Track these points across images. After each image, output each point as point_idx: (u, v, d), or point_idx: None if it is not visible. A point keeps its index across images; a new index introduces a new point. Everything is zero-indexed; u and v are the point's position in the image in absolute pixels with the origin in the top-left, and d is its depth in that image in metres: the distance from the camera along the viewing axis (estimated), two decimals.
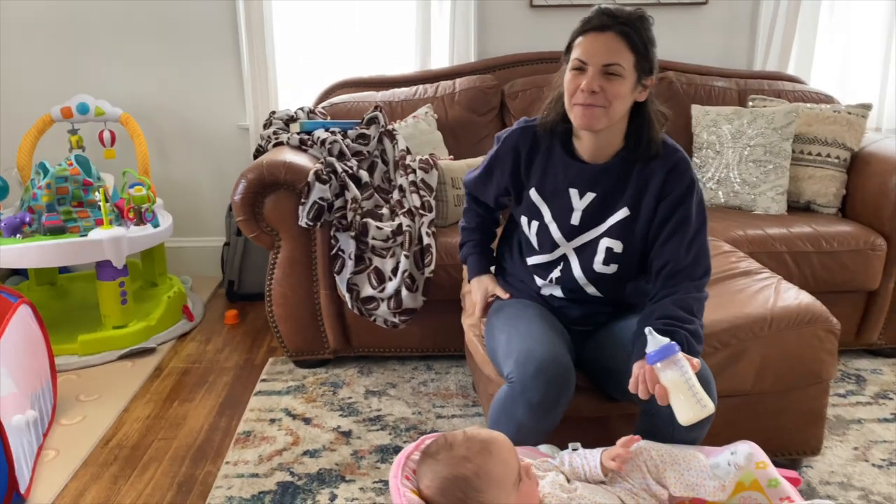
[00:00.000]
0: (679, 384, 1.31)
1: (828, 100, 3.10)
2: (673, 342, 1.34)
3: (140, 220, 2.83)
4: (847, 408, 2.30)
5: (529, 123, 1.70)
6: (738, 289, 1.97)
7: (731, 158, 2.80)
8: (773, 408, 1.87)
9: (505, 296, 1.77)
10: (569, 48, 1.54)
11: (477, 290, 1.84)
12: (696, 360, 1.37)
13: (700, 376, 1.49)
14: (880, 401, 2.34)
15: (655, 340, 1.33)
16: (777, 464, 1.82)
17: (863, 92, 3.40)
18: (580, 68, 1.49)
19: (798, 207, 2.79)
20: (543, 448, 1.49)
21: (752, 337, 1.78)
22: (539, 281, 1.72)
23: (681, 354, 1.33)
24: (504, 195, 1.78)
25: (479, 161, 2.73)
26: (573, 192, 1.63)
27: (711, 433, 1.72)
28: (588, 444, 1.47)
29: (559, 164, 1.64)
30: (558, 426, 1.56)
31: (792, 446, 1.92)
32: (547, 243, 1.67)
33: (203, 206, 3.49)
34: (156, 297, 3.00)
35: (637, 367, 1.41)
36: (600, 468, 1.32)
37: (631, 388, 1.40)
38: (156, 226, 2.88)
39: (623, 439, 1.35)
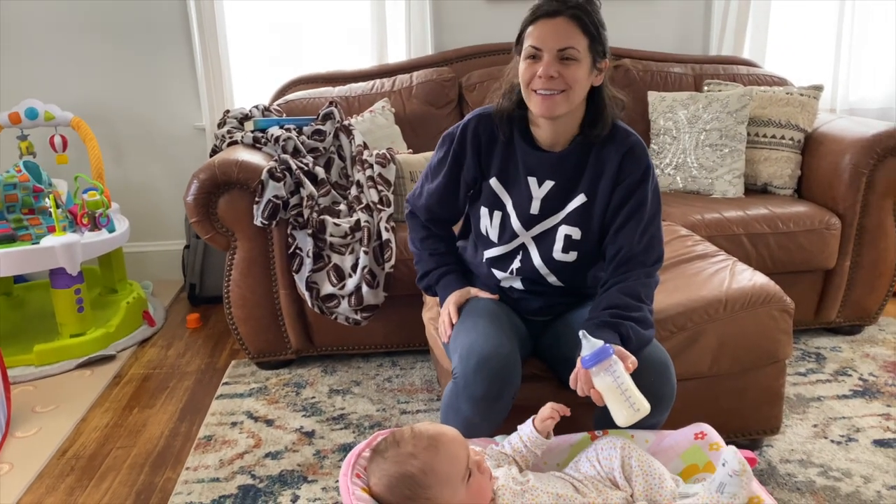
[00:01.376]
0: (611, 389, 1.32)
1: (781, 82, 3.13)
2: (607, 345, 1.33)
3: (95, 225, 2.78)
4: (807, 386, 2.32)
5: (485, 112, 1.67)
6: (694, 272, 1.98)
7: (687, 143, 2.82)
8: (732, 389, 1.88)
9: (486, 295, 1.70)
10: (520, 38, 1.53)
11: (454, 296, 1.70)
12: (631, 361, 1.36)
13: (656, 360, 1.50)
14: (839, 378, 2.37)
15: (590, 344, 1.33)
16: (737, 444, 1.84)
17: (816, 74, 3.44)
18: (535, 56, 1.48)
19: (755, 190, 2.81)
20: (499, 438, 1.47)
21: (707, 319, 1.79)
22: (499, 274, 1.70)
23: (615, 357, 1.33)
24: (471, 190, 1.72)
25: None
26: (532, 181, 1.62)
27: (672, 417, 1.73)
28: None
29: (518, 152, 1.62)
30: (517, 416, 1.55)
31: (751, 426, 1.93)
32: (507, 233, 1.66)
33: (161, 209, 3.43)
34: (115, 304, 2.94)
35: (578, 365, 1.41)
36: (535, 432, 1.35)
37: (570, 384, 1.41)
38: (111, 231, 2.82)
39: (550, 404, 1.38)
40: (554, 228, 1.62)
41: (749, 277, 1.90)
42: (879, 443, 2.00)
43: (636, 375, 1.38)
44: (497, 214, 1.66)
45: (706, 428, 1.43)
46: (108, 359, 2.67)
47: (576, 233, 1.60)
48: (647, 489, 1.28)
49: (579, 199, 1.59)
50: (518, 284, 1.69)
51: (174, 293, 3.33)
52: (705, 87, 3.01)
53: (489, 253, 1.69)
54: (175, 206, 3.39)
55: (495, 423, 1.54)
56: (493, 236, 1.67)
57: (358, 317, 2.38)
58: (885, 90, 3.51)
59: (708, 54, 3.43)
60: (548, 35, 1.47)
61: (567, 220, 1.60)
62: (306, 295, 2.37)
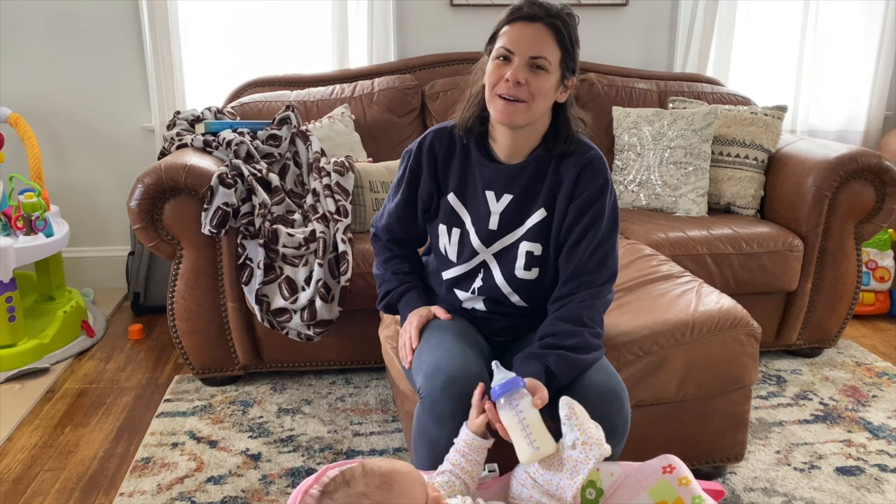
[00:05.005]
0: (514, 424, 1.26)
1: (745, 101, 3.12)
2: (517, 378, 1.28)
3: (30, 229, 2.61)
4: (769, 410, 2.29)
5: (442, 127, 1.62)
6: (659, 293, 1.93)
7: (652, 160, 2.78)
8: (697, 415, 1.82)
9: (445, 316, 1.61)
10: (493, 38, 1.47)
11: (415, 316, 1.61)
12: (540, 396, 1.31)
13: (605, 389, 1.44)
14: (800, 402, 2.34)
15: (501, 375, 1.28)
16: (701, 471, 1.79)
17: (778, 94, 3.46)
18: (506, 57, 1.43)
19: (718, 209, 2.79)
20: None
21: (674, 343, 1.73)
22: (461, 294, 1.62)
23: (523, 391, 1.28)
24: (428, 208, 1.65)
25: (398, 164, 2.63)
26: (490, 195, 1.55)
27: (636, 443, 1.67)
28: (504, 453, 1.39)
29: (475, 165, 1.56)
30: None
31: (716, 453, 1.88)
32: (466, 251, 1.58)
33: (105, 213, 3.26)
34: (51, 313, 2.76)
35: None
36: (471, 434, 1.31)
37: (476, 410, 1.36)
38: (49, 235, 2.65)
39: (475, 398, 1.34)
40: (515, 245, 1.55)
41: (716, 300, 1.85)
42: (842, 471, 1.97)
43: (584, 405, 1.32)
44: (455, 231, 1.59)
45: (674, 461, 1.36)
46: (40, 372, 2.50)
47: (537, 248, 1.54)
48: (557, 486, 1.26)
49: (539, 214, 1.53)
50: (480, 305, 1.61)
51: (117, 302, 3.16)
52: (670, 104, 2.98)
53: (448, 274, 1.62)
54: (120, 210, 3.22)
55: None
56: (452, 255, 1.60)
57: (311, 332, 2.27)
58: (844, 113, 3.54)
59: (672, 71, 3.41)
60: (523, 39, 1.42)
61: (527, 236, 1.54)
62: (256, 308, 2.25)
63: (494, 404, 1.30)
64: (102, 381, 2.48)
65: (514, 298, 1.58)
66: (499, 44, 1.45)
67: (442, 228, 1.61)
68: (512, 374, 1.28)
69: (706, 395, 1.81)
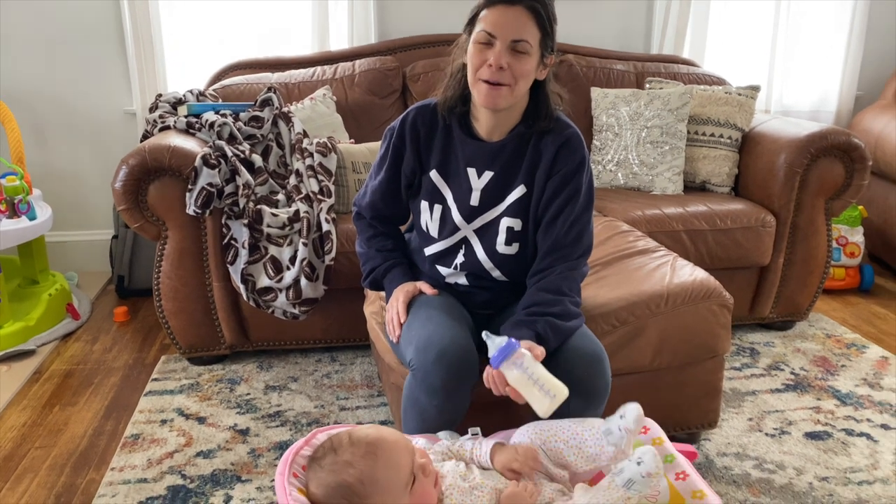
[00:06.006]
0: (524, 381, 1.30)
1: (720, 82, 3.18)
2: (511, 340, 1.32)
3: (13, 212, 2.62)
4: (742, 380, 2.37)
5: (425, 104, 1.65)
6: (636, 267, 1.98)
7: (629, 140, 2.84)
8: (672, 383, 1.89)
9: (430, 291, 1.65)
10: (472, 20, 1.49)
11: (401, 292, 1.64)
12: (539, 351, 1.36)
13: (587, 353, 1.49)
14: (773, 372, 2.42)
15: (494, 343, 1.32)
16: (676, 438, 1.85)
17: (752, 75, 3.52)
18: (487, 42, 1.45)
19: (694, 187, 2.85)
20: (442, 435, 1.44)
21: (649, 314, 1.79)
22: (443, 270, 1.67)
23: (522, 350, 1.32)
24: (411, 184, 1.68)
25: (378, 146, 2.66)
26: (471, 172, 1.60)
27: (611, 410, 1.72)
28: (493, 428, 1.44)
29: (457, 142, 1.60)
30: (468, 414, 1.52)
31: (690, 420, 1.95)
32: (448, 227, 1.63)
33: (88, 196, 3.26)
34: (36, 296, 2.77)
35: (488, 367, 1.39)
36: (490, 461, 1.29)
37: (486, 385, 1.39)
38: (32, 218, 2.66)
39: (524, 449, 1.29)
40: (496, 220, 1.60)
41: (690, 273, 1.91)
42: (810, 435, 2.05)
43: (567, 369, 1.38)
44: (437, 208, 1.63)
45: (648, 422, 1.42)
46: (26, 354, 2.52)
47: (517, 224, 1.59)
48: (578, 452, 1.29)
49: (519, 190, 1.58)
50: (463, 280, 1.66)
51: (101, 285, 3.17)
52: (647, 85, 3.03)
53: (431, 250, 1.67)
54: (103, 194, 3.22)
55: (453, 417, 1.50)
56: (434, 231, 1.64)
57: (296, 311, 2.31)
58: (816, 93, 3.62)
59: (649, 52, 3.46)
60: (504, 23, 1.44)
61: (508, 212, 1.59)
62: (241, 288, 2.28)
63: (499, 372, 1.33)
64: (89, 362, 2.50)
65: (496, 273, 1.63)
66: (479, 27, 1.46)
67: (424, 205, 1.65)
68: (505, 339, 1.31)
69: (681, 364, 1.87)
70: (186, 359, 2.47)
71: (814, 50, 3.55)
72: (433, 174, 1.62)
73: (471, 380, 1.48)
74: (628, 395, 1.84)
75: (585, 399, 1.44)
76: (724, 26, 3.51)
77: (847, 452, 1.97)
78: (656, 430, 1.40)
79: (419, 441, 1.32)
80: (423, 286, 1.66)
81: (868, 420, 2.13)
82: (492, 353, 1.32)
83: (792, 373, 2.41)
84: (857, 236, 3.11)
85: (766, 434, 2.06)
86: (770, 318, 2.72)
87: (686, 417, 1.95)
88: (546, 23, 1.47)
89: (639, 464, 1.16)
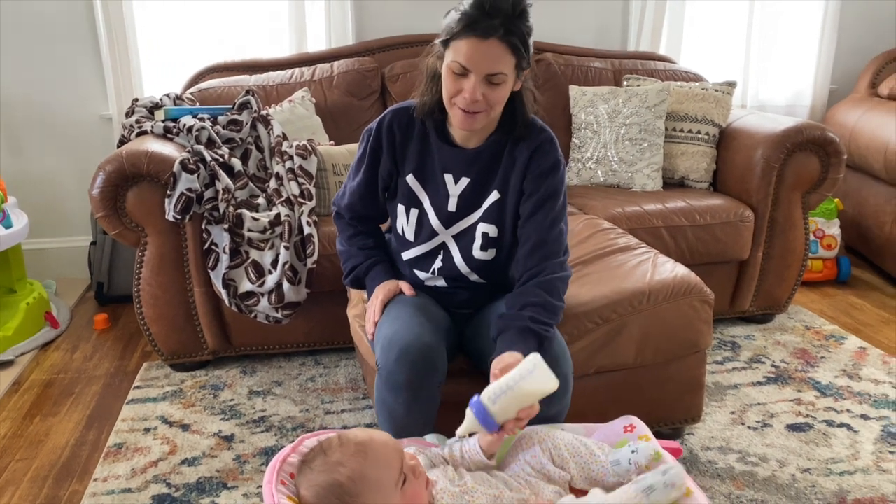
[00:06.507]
0: (514, 400, 1.23)
1: (696, 78, 3.21)
2: (473, 404, 1.24)
3: None
4: (724, 374, 2.39)
5: (402, 107, 1.64)
6: (617, 264, 2.00)
7: (608, 138, 2.85)
8: (655, 379, 1.91)
9: (410, 292, 1.65)
10: (446, 41, 1.45)
11: (382, 290, 1.65)
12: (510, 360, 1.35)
13: (554, 351, 1.49)
14: (754, 365, 2.45)
15: (470, 420, 1.24)
16: (661, 434, 1.86)
17: (728, 71, 3.55)
18: (462, 73, 1.43)
19: (672, 183, 2.87)
20: (430, 438, 1.44)
21: (631, 311, 1.80)
22: (421, 274, 1.67)
23: (481, 398, 1.24)
24: (388, 186, 1.68)
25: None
26: (448, 178, 1.60)
27: (599, 408, 1.74)
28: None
29: (434, 148, 1.61)
30: (444, 413, 1.52)
31: (674, 416, 1.97)
32: (425, 232, 1.63)
33: (65, 203, 3.22)
34: (13, 305, 2.73)
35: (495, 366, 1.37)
36: (480, 451, 1.29)
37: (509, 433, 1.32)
38: (8, 226, 2.63)
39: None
40: (473, 226, 1.61)
41: (671, 269, 1.93)
42: (792, 427, 2.08)
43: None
44: (414, 212, 1.63)
45: (635, 420, 1.43)
46: (5, 364, 2.48)
47: (492, 230, 1.60)
48: (581, 469, 1.28)
49: (493, 196, 1.59)
50: (442, 283, 1.67)
51: (80, 292, 3.13)
52: (625, 83, 3.05)
53: (409, 254, 1.67)
54: (79, 200, 3.18)
55: (424, 417, 1.51)
56: (410, 235, 1.65)
57: (279, 315, 2.30)
58: (791, 88, 3.66)
59: (626, 50, 3.48)
60: (478, 58, 1.41)
61: (484, 218, 1.60)
62: (223, 293, 2.26)
63: (505, 427, 1.26)
64: (70, 371, 2.47)
65: (473, 277, 1.65)
66: (453, 56, 1.43)
67: (400, 208, 1.65)
68: (471, 413, 1.23)
69: (664, 360, 1.89)
70: (169, 365, 2.45)
71: (788, 45, 3.59)
72: (410, 178, 1.63)
73: (435, 377, 1.48)
74: (612, 392, 1.87)
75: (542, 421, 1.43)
76: (699, 23, 3.54)
77: (828, 443, 2.00)
78: (642, 427, 1.40)
79: (410, 448, 1.32)
80: (404, 286, 1.67)
81: (848, 411, 2.16)
82: (476, 428, 1.25)
83: (773, 365, 2.44)
84: (834, 229, 3.16)
85: (749, 427, 2.08)
86: (750, 311, 2.75)
87: (670, 413, 1.96)
88: (521, 48, 1.43)
89: (664, 473, 1.16)
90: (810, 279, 3.14)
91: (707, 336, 1.91)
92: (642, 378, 1.89)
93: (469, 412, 1.25)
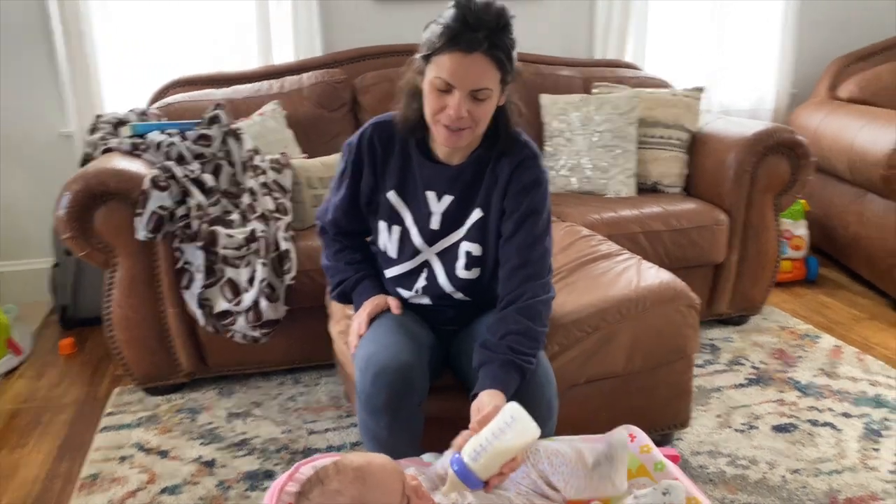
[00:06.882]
0: (498, 456, 1.19)
1: (663, 84, 3.24)
2: (453, 462, 1.20)
3: None
4: (706, 377, 2.40)
5: (382, 120, 1.60)
6: (601, 272, 1.99)
7: (581, 145, 2.86)
8: (644, 386, 1.90)
9: (397, 310, 1.60)
10: (428, 56, 1.40)
11: (369, 304, 1.61)
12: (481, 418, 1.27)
13: (538, 378, 1.46)
14: (734, 367, 2.47)
15: (453, 481, 1.20)
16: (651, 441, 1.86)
17: (692, 76, 3.60)
18: (446, 90, 1.39)
19: (646, 189, 2.89)
20: (426, 457, 1.40)
21: (620, 318, 1.80)
22: (404, 293, 1.64)
23: (460, 457, 1.20)
24: (370, 202, 1.63)
25: (334, 159, 2.61)
26: (430, 195, 1.57)
27: (589, 416, 1.73)
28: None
29: (415, 164, 1.57)
30: (432, 430, 1.49)
31: (663, 421, 1.96)
32: (408, 250, 1.60)
33: (24, 224, 3.10)
34: None
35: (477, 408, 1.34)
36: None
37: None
38: None
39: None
40: (456, 245, 1.58)
41: (656, 275, 1.93)
42: (778, 428, 2.09)
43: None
44: (395, 229, 1.60)
45: (634, 430, 1.42)
46: None
47: (476, 249, 1.57)
48: (565, 481, 1.25)
49: (476, 214, 1.56)
50: (426, 301, 1.64)
51: (42, 317, 3.01)
52: (594, 90, 3.06)
53: (391, 272, 1.64)
54: (40, 221, 3.06)
55: (408, 437, 1.48)
56: (392, 252, 1.61)
57: (257, 333, 2.23)
58: (754, 92, 3.73)
59: (593, 58, 3.51)
60: (463, 73, 1.37)
61: (467, 237, 1.57)
62: (198, 313, 2.19)
63: (493, 479, 1.21)
64: (36, 399, 2.37)
65: (458, 296, 1.62)
66: (435, 72, 1.38)
67: (382, 225, 1.61)
68: (451, 473, 1.20)
69: (652, 367, 1.88)
70: (142, 390, 2.36)
71: (750, 50, 3.66)
72: (391, 195, 1.59)
73: (414, 397, 1.45)
74: (602, 400, 1.86)
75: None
76: (662, 29, 3.58)
77: (814, 443, 2.02)
78: (643, 437, 1.39)
79: (410, 469, 1.29)
80: (391, 301, 1.63)
81: (830, 409, 2.18)
82: (465, 484, 1.20)
83: (753, 367, 2.46)
84: (801, 229, 3.21)
85: (736, 430, 2.09)
86: (727, 313, 2.77)
87: (658, 419, 1.96)
88: (505, 62, 1.39)
89: (665, 494, 1.15)
90: (780, 279, 3.18)
91: (694, 341, 1.92)
92: (631, 385, 1.88)
93: (451, 472, 1.21)
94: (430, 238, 1.58)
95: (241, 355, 2.37)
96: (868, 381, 2.34)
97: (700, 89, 2.93)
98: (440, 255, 1.59)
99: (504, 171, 1.53)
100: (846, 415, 2.15)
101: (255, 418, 2.21)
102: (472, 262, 1.57)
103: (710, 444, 2.03)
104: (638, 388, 1.90)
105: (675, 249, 2.58)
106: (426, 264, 1.60)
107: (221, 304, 2.19)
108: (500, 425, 1.21)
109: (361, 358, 1.47)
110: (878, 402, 2.21)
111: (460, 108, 1.39)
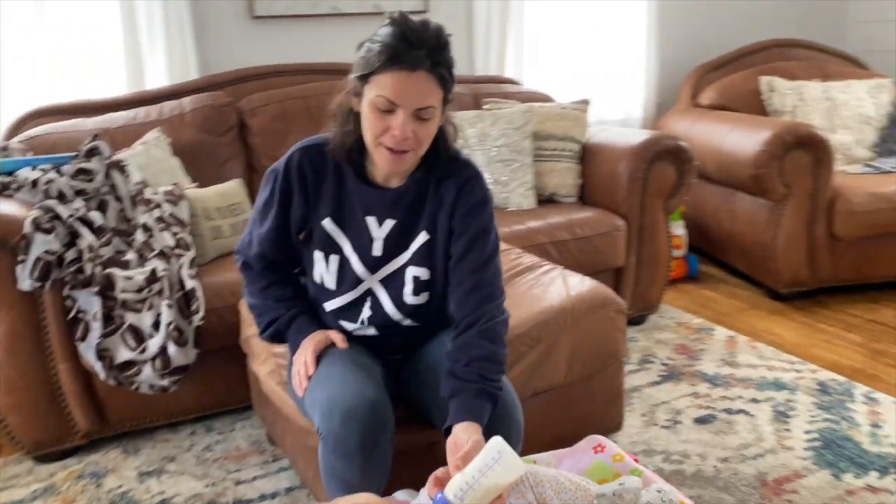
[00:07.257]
0: (485, 495, 1.16)
1: (546, 98, 3.34)
2: (440, 497, 1.16)
3: None
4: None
5: (310, 144, 1.51)
6: (530, 284, 2.00)
7: (480, 160, 2.88)
8: (582, 394, 1.93)
9: (343, 344, 1.51)
10: (366, 76, 1.34)
11: (311, 342, 1.51)
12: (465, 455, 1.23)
13: (506, 400, 1.43)
14: (646, 365, 2.57)
15: None
16: None
17: (567, 90, 3.73)
18: (388, 110, 1.34)
19: (544, 200, 2.95)
20: (400, 495, 1.33)
21: (558, 329, 1.82)
22: (348, 325, 1.55)
23: (445, 496, 1.16)
24: (302, 232, 1.54)
25: (230, 188, 2.46)
26: (371, 220, 1.50)
27: (536, 432, 1.72)
28: (422, 474, 1.34)
29: (352, 190, 1.50)
30: (395, 465, 1.42)
31: (600, 426, 1.98)
32: (348, 279, 1.52)
33: None
34: None
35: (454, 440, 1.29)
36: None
37: None
38: None
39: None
40: (401, 270, 1.52)
41: (580, 282, 1.97)
42: (699, 420, 2.19)
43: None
44: (334, 259, 1.52)
45: (602, 440, 1.43)
46: None
47: (424, 273, 1.52)
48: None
49: (423, 237, 1.51)
50: (372, 332, 1.56)
51: None
52: (485, 106, 3.10)
53: (331, 304, 1.55)
54: None
55: (379, 475, 1.41)
56: (331, 283, 1.53)
57: (165, 382, 2.04)
58: (623, 103, 3.93)
59: (475, 74, 3.56)
60: (406, 92, 1.32)
61: (413, 261, 1.51)
62: (98, 366, 1.97)
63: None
64: None
65: (407, 322, 1.56)
66: (377, 92, 1.33)
67: (318, 255, 1.53)
68: None
69: (589, 374, 1.92)
70: (32, 458, 2.09)
71: (618, 64, 3.85)
72: (327, 223, 1.51)
73: (386, 434, 1.39)
74: (546, 413, 1.86)
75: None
76: (537, 45, 3.70)
77: (734, 431, 2.13)
78: (612, 447, 1.40)
79: None
80: (335, 336, 1.54)
81: (740, 397, 2.32)
82: None
83: (662, 363, 2.57)
84: (680, 229, 3.42)
85: (662, 427, 2.17)
86: (629, 314, 2.87)
87: (596, 425, 1.97)
88: (448, 80, 1.37)
89: (659, 491, 1.14)
90: None
91: (623, 344, 1.97)
92: (571, 394, 1.91)
93: None
94: (373, 265, 1.51)
95: (146, 407, 2.16)
96: (765, 366, 2.52)
97: (586, 102, 3.05)
98: (384, 281, 1.52)
99: (449, 192, 1.49)
100: (755, 400, 2.30)
101: (171, 474, 2.02)
102: (419, 286, 1.52)
103: (642, 443, 2.09)
104: (577, 396, 1.92)
105: (581, 257, 2.66)
106: (370, 293, 1.53)
107: (124, 354, 1.99)
108: (486, 461, 1.16)
109: (322, 401, 1.37)
110: (778, 386, 2.38)
111: (405, 129, 1.34)
